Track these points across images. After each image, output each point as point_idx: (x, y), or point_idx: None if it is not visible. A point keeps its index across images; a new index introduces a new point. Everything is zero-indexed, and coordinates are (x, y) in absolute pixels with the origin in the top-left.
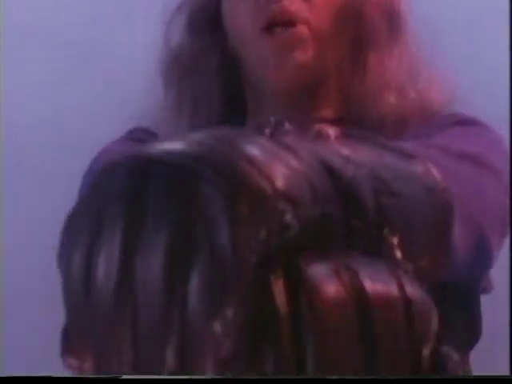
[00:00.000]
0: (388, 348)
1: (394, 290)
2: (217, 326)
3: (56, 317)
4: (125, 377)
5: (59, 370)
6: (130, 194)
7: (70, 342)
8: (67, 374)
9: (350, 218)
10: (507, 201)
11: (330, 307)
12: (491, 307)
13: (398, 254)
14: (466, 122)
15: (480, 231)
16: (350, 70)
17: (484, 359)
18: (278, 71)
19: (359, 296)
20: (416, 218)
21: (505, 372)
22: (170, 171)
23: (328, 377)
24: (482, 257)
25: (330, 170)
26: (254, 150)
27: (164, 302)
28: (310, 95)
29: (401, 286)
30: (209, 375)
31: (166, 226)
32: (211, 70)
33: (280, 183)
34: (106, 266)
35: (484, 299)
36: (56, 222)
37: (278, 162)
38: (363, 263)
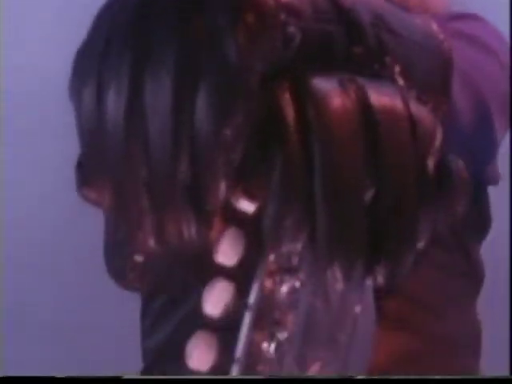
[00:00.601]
0: (393, 159)
1: (398, 104)
2: (227, 131)
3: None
4: (126, 377)
5: (60, 370)
6: (135, 20)
7: (85, 174)
8: (67, 374)
9: (351, 44)
10: (507, 86)
11: (337, 117)
12: (491, 307)
13: (401, 81)
14: (466, 16)
15: (480, 97)
16: None
17: (484, 359)
18: None
19: (365, 107)
20: (416, 58)
21: (505, 372)
22: None
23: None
24: (486, 129)
25: None
26: None
27: (174, 118)
28: None
29: (405, 102)
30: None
31: (173, 43)
32: None
33: None
34: (115, 96)
35: (484, 299)
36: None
37: None
38: (368, 80)
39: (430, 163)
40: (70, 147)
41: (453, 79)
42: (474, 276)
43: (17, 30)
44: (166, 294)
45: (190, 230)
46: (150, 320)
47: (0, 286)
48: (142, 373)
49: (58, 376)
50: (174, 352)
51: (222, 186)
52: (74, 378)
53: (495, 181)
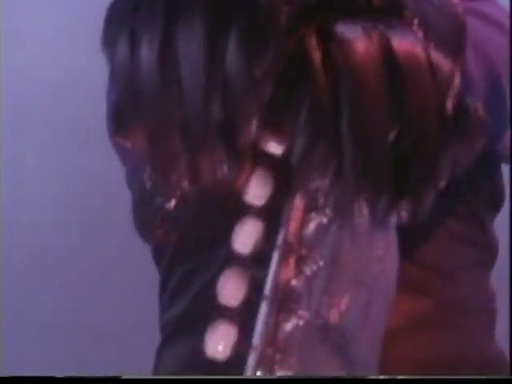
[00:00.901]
0: (414, 100)
1: (419, 49)
2: (257, 71)
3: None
4: (125, 377)
5: (60, 370)
6: None
7: (119, 122)
8: (67, 374)
9: None
10: None
11: (362, 60)
12: None
13: (420, 33)
14: None
15: (493, 69)
16: None
17: None
18: None
19: (388, 52)
20: (432, 18)
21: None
22: None
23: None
24: (498, 101)
25: None
26: None
27: (206, 61)
28: None
29: (425, 48)
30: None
31: None
32: None
33: None
34: (148, 44)
35: None
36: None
37: None
38: (389, 27)
39: (449, 104)
40: (69, 147)
41: (466, 43)
42: (489, 247)
43: (17, 31)
44: (191, 250)
45: (222, 169)
46: (169, 294)
47: (0, 286)
48: (160, 347)
49: (58, 376)
50: (191, 324)
51: (254, 125)
52: (74, 378)
53: (506, 159)
